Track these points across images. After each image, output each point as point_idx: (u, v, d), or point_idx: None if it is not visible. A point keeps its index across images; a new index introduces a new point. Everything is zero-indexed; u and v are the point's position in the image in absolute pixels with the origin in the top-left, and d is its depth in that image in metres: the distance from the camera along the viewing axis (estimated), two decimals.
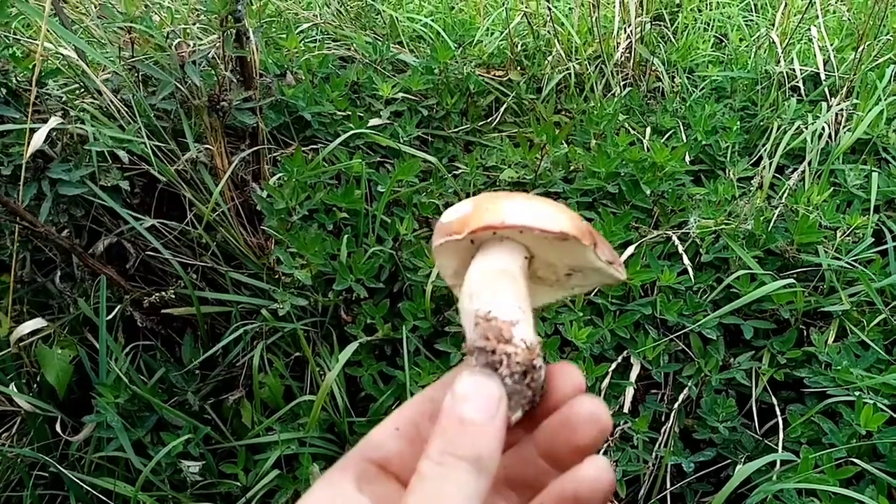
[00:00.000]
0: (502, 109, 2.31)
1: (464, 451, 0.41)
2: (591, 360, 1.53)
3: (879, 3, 2.38)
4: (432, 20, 2.66)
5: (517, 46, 2.50)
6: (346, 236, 1.65)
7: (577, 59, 2.42)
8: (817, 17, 2.44)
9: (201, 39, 2.02)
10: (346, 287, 1.61)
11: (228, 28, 1.65)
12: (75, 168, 1.56)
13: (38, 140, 1.44)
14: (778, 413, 1.52)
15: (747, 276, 1.60)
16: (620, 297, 1.65)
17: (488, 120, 2.30)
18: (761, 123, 2.21)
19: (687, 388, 1.57)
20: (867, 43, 2.37)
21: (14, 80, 1.56)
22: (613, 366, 1.57)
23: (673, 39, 2.71)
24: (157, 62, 1.69)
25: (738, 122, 2.09)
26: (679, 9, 2.88)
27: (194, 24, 2.14)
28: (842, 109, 2.14)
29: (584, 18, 2.58)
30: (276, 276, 1.69)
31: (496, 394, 0.43)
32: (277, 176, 1.80)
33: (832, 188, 1.85)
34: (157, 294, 1.64)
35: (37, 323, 1.57)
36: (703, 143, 2.05)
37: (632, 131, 2.12)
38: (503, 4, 2.55)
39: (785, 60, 2.37)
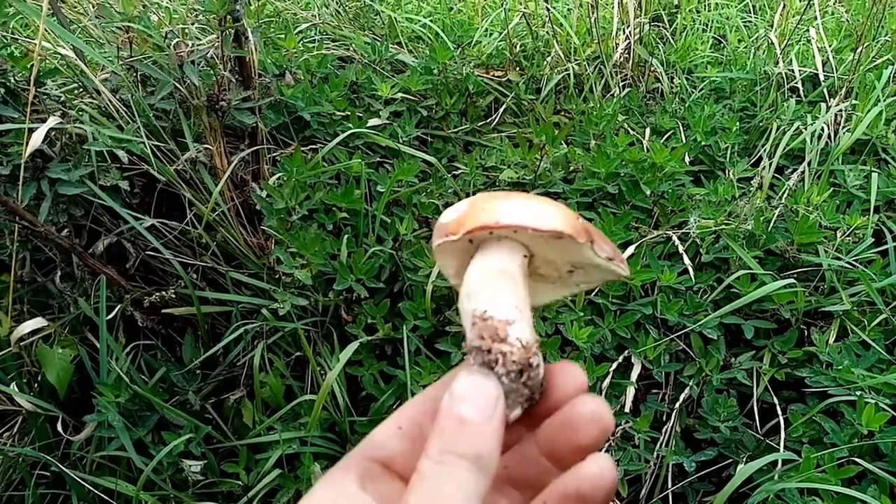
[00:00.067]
0: (501, 110, 2.31)
1: (463, 450, 0.41)
2: (591, 359, 1.53)
3: (878, 5, 2.39)
4: (431, 21, 2.65)
5: (516, 47, 2.50)
6: (346, 236, 1.65)
7: (576, 60, 2.42)
8: (816, 18, 2.45)
9: (200, 39, 2.02)
10: (347, 287, 1.61)
11: (227, 28, 1.65)
12: (74, 168, 1.56)
13: (36, 139, 1.44)
14: (779, 413, 1.52)
15: (748, 276, 1.61)
16: (621, 296, 1.66)
17: (487, 120, 2.30)
18: (761, 124, 2.22)
19: (688, 388, 1.58)
20: (866, 44, 2.38)
21: (12, 80, 1.56)
22: (614, 366, 1.57)
23: (672, 40, 2.71)
24: (155, 62, 1.68)
25: (738, 123, 2.09)
26: (677, 10, 2.88)
27: (193, 23, 2.14)
28: (841, 110, 2.14)
29: (583, 19, 2.58)
30: (277, 276, 1.69)
31: (493, 393, 0.44)
32: (277, 176, 1.79)
33: (832, 188, 1.85)
34: (157, 294, 1.64)
35: (37, 322, 1.56)
36: (703, 143, 2.05)
37: (631, 132, 2.12)
38: (502, 5, 2.56)
39: (784, 61, 2.37)
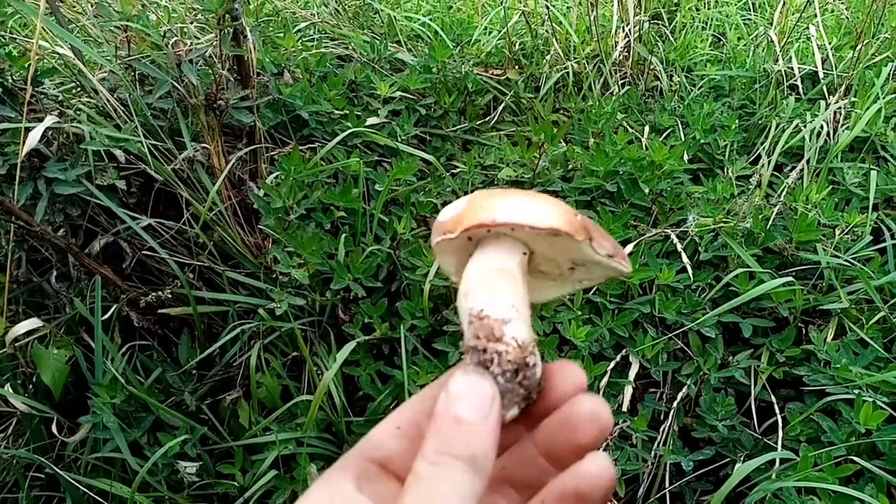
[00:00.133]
0: (500, 108, 2.31)
1: (459, 451, 0.41)
2: (589, 358, 1.53)
3: (877, 2, 2.38)
4: (430, 19, 2.65)
5: (515, 45, 2.49)
6: (343, 235, 1.64)
7: (575, 58, 2.41)
8: (815, 15, 2.44)
9: (198, 38, 2.02)
10: (344, 286, 1.61)
11: (226, 27, 1.64)
12: (71, 167, 1.56)
13: (33, 139, 1.44)
14: (777, 411, 1.52)
15: (746, 275, 1.60)
16: (619, 295, 1.65)
17: (486, 119, 2.30)
18: (760, 122, 2.21)
19: (686, 387, 1.57)
20: (865, 41, 2.37)
21: (10, 79, 1.55)
22: (612, 364, 1.56)
23: (671, 38, 2.70)
24: (153, 61, 1.68)
25: (737, 121, 2.08)
26: (677, 8, 2.88)
27: (191, 22, 2.14)
28: (840, 108, 2.14)
29: (582, 17, 2.58)
30: (274, 276, 1.68)
31: (489, 393, 0.44)
32: (275, 175, 1.79)
33: (831, 186, 1.84)
34: (153, 294, 1.64)
35: (32, 323, 1.56)
36: (702, 141, 2.05)
37: (630, 130, 2.11)
38: (501, 3, 2.55)
39: (783, 59, 2.37)
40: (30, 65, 1.49)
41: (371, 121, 2.01)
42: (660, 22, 2.76)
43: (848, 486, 1.28)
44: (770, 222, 1.74)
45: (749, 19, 3.07)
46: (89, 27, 1.90)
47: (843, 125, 2.11)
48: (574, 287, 0.58)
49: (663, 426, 1.56)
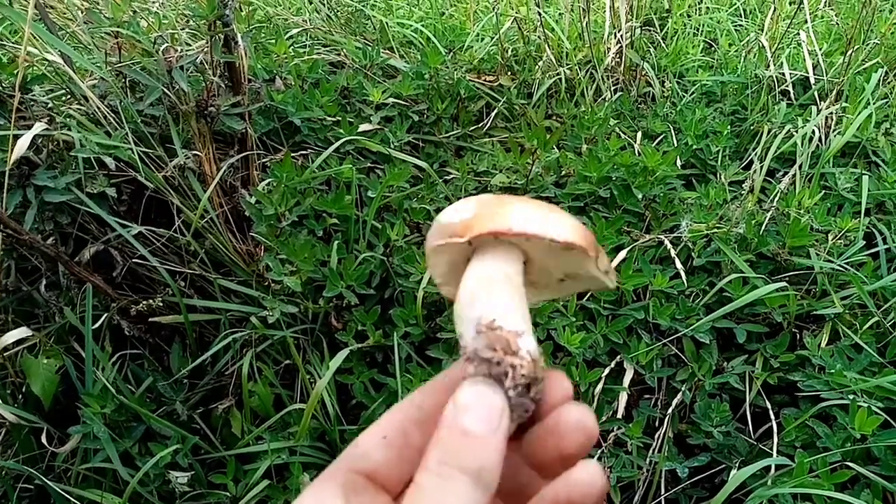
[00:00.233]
0: (493, 114, 2.31)
1: (465, 463, 0.40)
2: (584, 365, 1.52)
3: (867, 9, 2.39)
4: (422, 25, 2.65)
5: (508, 52, 2.49)
6: (336, 242, 1.64)
7: (567, 64, 2.42)
8: (806, 21, 2.45)
9: (189, 45, 2.01)
10: (337, 294, 1.60)
11: (217, 33, 1.63)
12: (61, 175, 1.54)
13: (21, 146, 1.42)
14: (772, 417, 1.52)
15: (739, 280, 1.60)
16: (613, 301, 1.65)
17: (479, 125, 2.29)
18: (752, 127, 2.22)
19: (680, 393, 1.57)
20: (855, 47, 2.38)
21: None
22: (606, 371, 1.56)
23: (663, 44, 2.71)
24: (144, 67, 1.67)
25: (729, 127, 2.09)
26: (668, 14, 2.88)
27: (182, 29, 2.13)
28: (831, 113, 2.15)
29: (575, 24, 2.58)
30: (266, 284, 1.67)
31: (499, 405, 0.43)
32: (266, 182, 1.78)
33: (823, 191, 1.85)
34: (144, 302, 1.62)
35: (22, 332, 1.54)
36: (694, 147, 2.05)
37: (622, 136, 2.11)
38: (493, 10, 2.55)
39: (774, 65, 2.38)
40: (18, 72, 1.48)
41: (363, 127, 2.00)
42: (651, 28, 2.76)
43: (843, 492, 1.28)
44: (763, 227, 1.74)
45: (740, 25, 3.09)
46: (79, 33, 1.89)
47: (834, 130, 2.11)
48: (554, 295, 0.57)
49: (658, 433, 1.55)
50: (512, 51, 2.53)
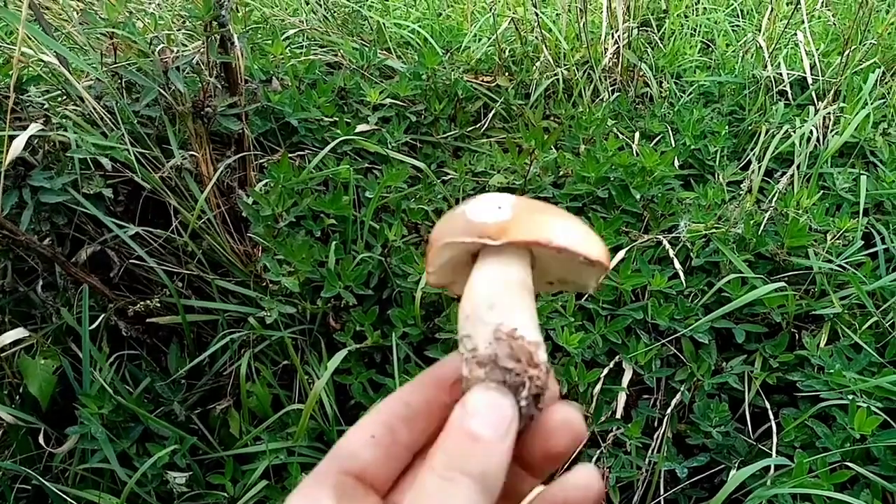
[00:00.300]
0: (491, 115, 2.31)
1: (471, 467, 0.40)
2: (582, 365, 1.52)
3: (863, 9, 2.40)
4: (420, 26, 2.65)
5: (505, 52, 2.49)
6: (334, 243, 1.63)
7: (565, 65, 2.42)
8: (803, 22, 2.46)
9: (186, 45, 2.00)
10: (335, 294, 1.59)
11: (213, 34, 1.63)
12: (57, 176, 1.54)
13: (17, 147, 1.42)
14: (771, 417, 1.51)
15: (738, 280, 1.60)
16: (612, 301, 1.64)
17: (477, 125, 2.29)
18: (749, 127, 2.22)
19: (679, 393, 1.56)
20: (852, 47, 2.39)
21: None
22: (605, 371, 1.56)
23: (660, 45, 2.71)
24: (140, 68, 1.66)
25: (727, 127, 2.09)
26: (666, 14, 2.89)
27: (178, 29, 2.12)
28: (829, 113, 2.15)
29: (572, 24, 2.58)
30: (264, 284, 1.67)
31: (509, 413, 0.42)
32: (264, 182, 1.78)
33: (821, 191, 1.85)
34: (141, 303, 1.62)
35: (19, 333, 1.53)
36: (692, 147, 2.05)
37: (620, 136, 2.11)
38: (491, 10, 2.55)
39: (772, 65, 2.38)
40: (13, 72, 1.47)
41: (361, 128, 1.99)
42: (649, 29, 2.76)
43: (843, 492, 1.28)
44: (761, 228, 1.74)
45: (737, 26, 3.09)
46: (75, 34, 1.88)
47: (832, 130, 2.12)
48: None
49: (657, 433, 1.55)
50: (509, 51, 2.52)
